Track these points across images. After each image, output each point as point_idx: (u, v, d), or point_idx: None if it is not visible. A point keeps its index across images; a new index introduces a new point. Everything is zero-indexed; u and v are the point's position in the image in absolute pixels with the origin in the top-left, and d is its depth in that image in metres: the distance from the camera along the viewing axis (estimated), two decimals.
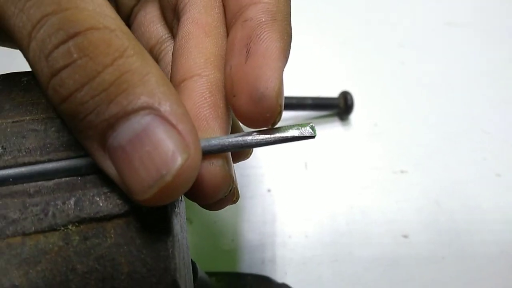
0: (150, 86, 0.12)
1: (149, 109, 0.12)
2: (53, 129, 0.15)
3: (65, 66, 0.12)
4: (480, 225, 0.33)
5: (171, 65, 0.16)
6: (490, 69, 0.40)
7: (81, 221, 0.14)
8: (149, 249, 0.13)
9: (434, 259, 0.31)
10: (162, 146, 0.12)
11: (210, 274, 0.29)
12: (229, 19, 0.16)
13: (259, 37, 0.14)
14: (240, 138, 0.15)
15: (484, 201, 0.34)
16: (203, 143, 0.14)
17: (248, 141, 0.15)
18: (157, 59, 0.20)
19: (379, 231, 0.32)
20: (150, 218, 0.14)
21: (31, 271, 0.13)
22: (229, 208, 0.33)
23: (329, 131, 0.37)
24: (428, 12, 0.42)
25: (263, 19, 0.14)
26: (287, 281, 0.30)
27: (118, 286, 0.13)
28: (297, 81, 0.39)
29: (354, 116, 0.37)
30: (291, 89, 0.35)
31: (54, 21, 0.12)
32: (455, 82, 0.39)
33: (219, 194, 0.15)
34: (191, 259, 0.20)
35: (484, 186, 0.34)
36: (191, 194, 0.15)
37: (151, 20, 0.20)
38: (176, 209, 0.15)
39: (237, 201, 0.17)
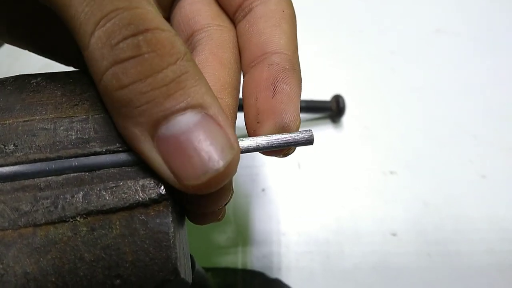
0: (202, 89, 0.14)
1: (201, 108, 0.14)
2: (62, 128, 0.16)
3: (131, 57, 0.13)
4: (466, 224, 0.34)
5: None
6: (478, 75, 0.41)
7: (88, 213, 0.15)
8: (151, 239, 0.14)
9: (420, 256, 0.33)
10: (217, 140, 0.13)
11: (207, 269, 0.30)
12: (250, 60, 0.18)
13: (284, 80, 0.17)
14: (264, 139, 0.17)
15: (470, 202, 0.35)
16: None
17: (248, 145, 0.17)
18: None
19: (368, 229, 0.34)
20: (153, 211, 0.15)
21: (41, 259, 0.14)
22: (226, 208, 0.34)
23: (322, 133, 0.38)
24: (419, 20, 0.44)
25: (287, 67, 0.17)
26: (280, 277, 0.31)
27: (123, 273, 0.14)
28: None
29: (346, 119, 0.39)
30: None
31: (126, 16, 0.13)
32: (443, 88, 0.40)
33: (219, 205, 0.17)
34: (190, 253, 0.21)
35: (470, 187, 0.36)
36: (196, 202, 0.16)
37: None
38: (176, 205, 0.16)
39: (222, 219, 0.19)
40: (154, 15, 0.14)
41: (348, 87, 0.40)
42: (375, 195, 0.35)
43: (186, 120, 0.13)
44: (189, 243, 0.33)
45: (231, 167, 0.14)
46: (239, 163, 0.15)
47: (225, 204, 0.17)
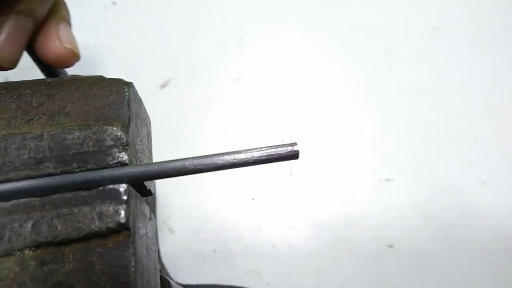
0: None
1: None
2: (13, 146, 0.14)
3: None
4: (466, 234, 0.32)
5: None
6: (478, 75, 0.39)
7: (38, 245, 0.13)
8: (109, 275, 0.13)
9: (419, 270, 0.31)
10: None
11: (189, 286, 0.28)
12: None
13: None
14: (217, 159, 0.14)
15: (471, 210, 0.33)
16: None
17: (226, 161, 0.14)
18: None
19: (363, 240, 0.32)
20: (112, 242, 0.13)
21: None
22: (211, 217, 0.33)
23: (314, 138, 0.36)
24: (415, 17, 0.42)
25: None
26: None
27: None
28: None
29: (339, 123, 0.37)
30: None
31: None
32: (442, 89, 0.38)
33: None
34: (164, 276, 0.19)
35: (470, 195, 0.34)
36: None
37: None
38: (141, 231, 0.15)
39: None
40: None
41: (343, 89, 0.38)
42: (371, 204, 0.33)
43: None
44: (173, 257, 0.31)
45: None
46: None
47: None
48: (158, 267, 0.17)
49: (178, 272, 0.30)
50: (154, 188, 0.17)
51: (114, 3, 0.42)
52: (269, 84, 0.39)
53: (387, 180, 0.34)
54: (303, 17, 0.42)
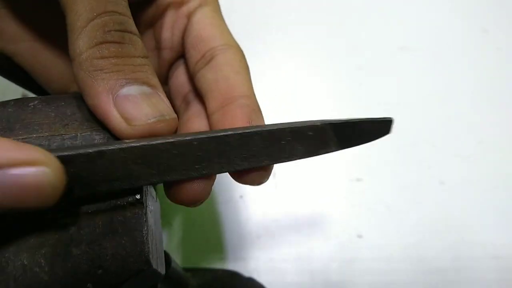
0: (156, 79, 0.19)
1: (154, 88, 0.18)
2: (55, 144, 0.19)
3: (116, 42, 0.18)
4: (425, 227, 0.37)
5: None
6: (437, 89, 0.45)
7: (76, 214, 0.18)
8: (128, 236, 0.17)
9: (384, 256, 0.36)
10: (164, 106, 0.18)
11: (187, 269, 0.33)
12: (219, 101, 0.21)
13: (256, 120, 0.20)
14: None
15: (429, 206, 0.38)
16: None
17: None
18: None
19: (336, 231, 0.37)
20: (130, 213, 0.18)
21: (36, 253, 0.17)
22: (206, 212, 0.37)
23: None
24: (384, 37, 0.47)
25: (255, 108, 0.21)
26: (255, 276, 0.34)
27: (104, 264, 0.17)
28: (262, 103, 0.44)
29: None
30: None
31: (119, 17, 0.18)
32: (406, 101, 0.44)
33: (197, 204, 0.20)
34: (165, 251, 0.24)
35: (429, 192, 0.39)
36: (175, 198, 0.20)
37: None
38: (150, 207, 0.19)
39: (201, 202, 0.21)
40: (135, 26, 0.19)
41: (317, 102, 0.44)
42: (343, 200, 0.38)
43: (143, 88, 0.18)
44: (172, 247, 0.36)
45: (173, 121, 0.18)
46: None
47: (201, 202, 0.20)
48: (162, 237, 0.22)
49: (175, 259, 0.35)
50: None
51: None
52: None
53: (357, 180, 0.39)
54: (276, 34, 0.48)
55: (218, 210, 0.38)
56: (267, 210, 0.38)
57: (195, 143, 0.17)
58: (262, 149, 0.19)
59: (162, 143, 0.17)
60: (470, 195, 0.39)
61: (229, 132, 0.18)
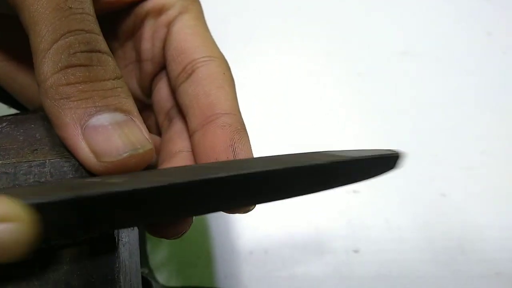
0: (131, 102, 0.17)
1: (128, 113, 0.17)
2: (21, 172, 0.18)
3: (83, 65, 0.16)
4: (426, 243, 0.36)
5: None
6: (441, 96, 0.43)
7: (39, 251, 0.16)
8: (97, 273, 0.16)
9: (382, 273, 0.35)
10: (139, 135, 0.16)
11: None
12: (199, 119, 0.20)
13: (240, 141, 0.19)
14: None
15: (430, 219, 0.37)
16: None
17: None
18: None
19: (332, 246, 0.35)
20: (100, 247, 0.17)
21: None
22: (196, 228, 0.36)
23: None
24: (384, 43, 0.46)
25: (239, 127, 0.19)
26: None
27: None
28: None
29: (312, 141, 0.41)
30: None
31: (86, 36, 0.16)
32: (407, 109, 0.42)
33: (180, 236, 0.19)
34: (147, 278, 0.22)
35: (431, 205, 0.38)
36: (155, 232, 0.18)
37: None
38: (125, 239, 0.18)
39: (182, 235, 0.20)
40: (105, 43, 0.17)
41: (314, 108, 0.42)
42: (339, 213, 0.37)
43: (114, 116, 0.16)
44: (160, 263, 0.35)
45: (148, 153, 0.16)
46: None
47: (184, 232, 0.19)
48: (140, 268, 0.20)
49: (163, 275, 0.34)
50: None
51: None
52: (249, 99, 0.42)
53: (354, 192, 0.38)
54: (275, 38, 0.46)
55: (209, 225, 0.36)
56: (259, 225, 0.36)
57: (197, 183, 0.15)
58: (266, 187, 0.17)
59: (154, 187, 0.15)
60: (473, 208, 0.37)
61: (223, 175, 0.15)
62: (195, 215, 0.17)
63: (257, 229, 0.36)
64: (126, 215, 0.15)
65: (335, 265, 0.35)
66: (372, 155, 0.18)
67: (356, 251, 0.35)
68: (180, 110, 0.22)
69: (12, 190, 0.15)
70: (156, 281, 0.32)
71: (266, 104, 0.42)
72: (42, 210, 0.13)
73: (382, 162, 0.18)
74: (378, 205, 0.37)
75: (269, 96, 0.42)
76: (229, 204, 0.17)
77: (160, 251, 0.35)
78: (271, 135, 0.41)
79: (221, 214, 0.37)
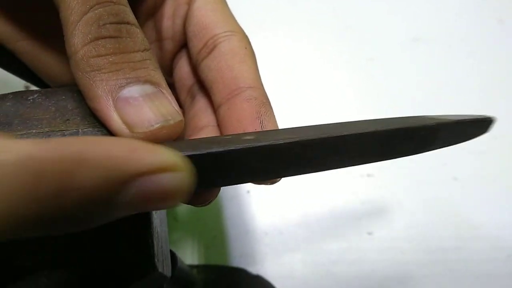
0: (159, 74, 0.17)
1: (158, 85, 0.17)
2: None
3: (113, 37, 0.16)
4: (438, 224, 0.36)
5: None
6: (453, 82, 0.43)
7: None
8: (133, 239, 0.17)
9: (394, 254, 0.35)
10: (168, 107, 0.16)
11: (192, 266, 0.32)
12: (224, 93, 0.20)
13: (266, 113, 0.19)
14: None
15: (442, 202, 0.37)
16: None
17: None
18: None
19: (346, 228, 0.36)
20: (136, 215, 0.17)
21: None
22: (212, 208, 0.37)
23: None
24: (396, 28, 0.46)
25: (264, 101, 0.19)
26: (262, 273, 0.33)
27: (108, 268, 0.16)
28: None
29: None
30: None
31: (114, 8, 0.16)
32: (419, 95, 0.42)
33: (207, 204, 0.19)
34: (171, 250, 0.23)
35: (443, 188, 0.38)
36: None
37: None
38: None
39: (209, 202, 0.20)
40: (133, 15, 0.17)
41: (327, 94, 0.42)
42: (353, 196, 0.37)
43: (144, 88, 0.16)
44: (178, 243, 0.35)
45: (178, 125, 0.16)
46: None
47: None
48: (168, 238, 0.21)
49: (181, 255, 0.34)
50: None
51: None
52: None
53: (368, 175, 0.38)
54: (283, 25, 0.47)
55: (224, 205, 0.37)
56: (275, 206, 0.37)
57: (317, 142, 0.16)
58: (377, 148, 0.18)
59: (289, 142, 0.16)
60: (484, 191, 0.38)
61: (345, 133, 0.17)
62: (317, 171, 0.18)
63: (272, 211, 0.37)
64: (261, 167, 0.16)
65: (349, 247, 0.35)
66: (471, 118, 0.19)
67: (370, 233, 0.36)
68: (202, 87, 0.22)
69: (168, 144, 0.16)
70: None
71: (276, 89, 0.42)
72: (197, 161, 0.14)
73: (478, 125, 0.19)
74: (391, 188, 0.38)
75: (279, 81, 0.43)
76: (344, 162, 0.18)
77: (176, 231, 0.36)
78: (281, 118, 0.41)
79: (238, 194, 0.37)
